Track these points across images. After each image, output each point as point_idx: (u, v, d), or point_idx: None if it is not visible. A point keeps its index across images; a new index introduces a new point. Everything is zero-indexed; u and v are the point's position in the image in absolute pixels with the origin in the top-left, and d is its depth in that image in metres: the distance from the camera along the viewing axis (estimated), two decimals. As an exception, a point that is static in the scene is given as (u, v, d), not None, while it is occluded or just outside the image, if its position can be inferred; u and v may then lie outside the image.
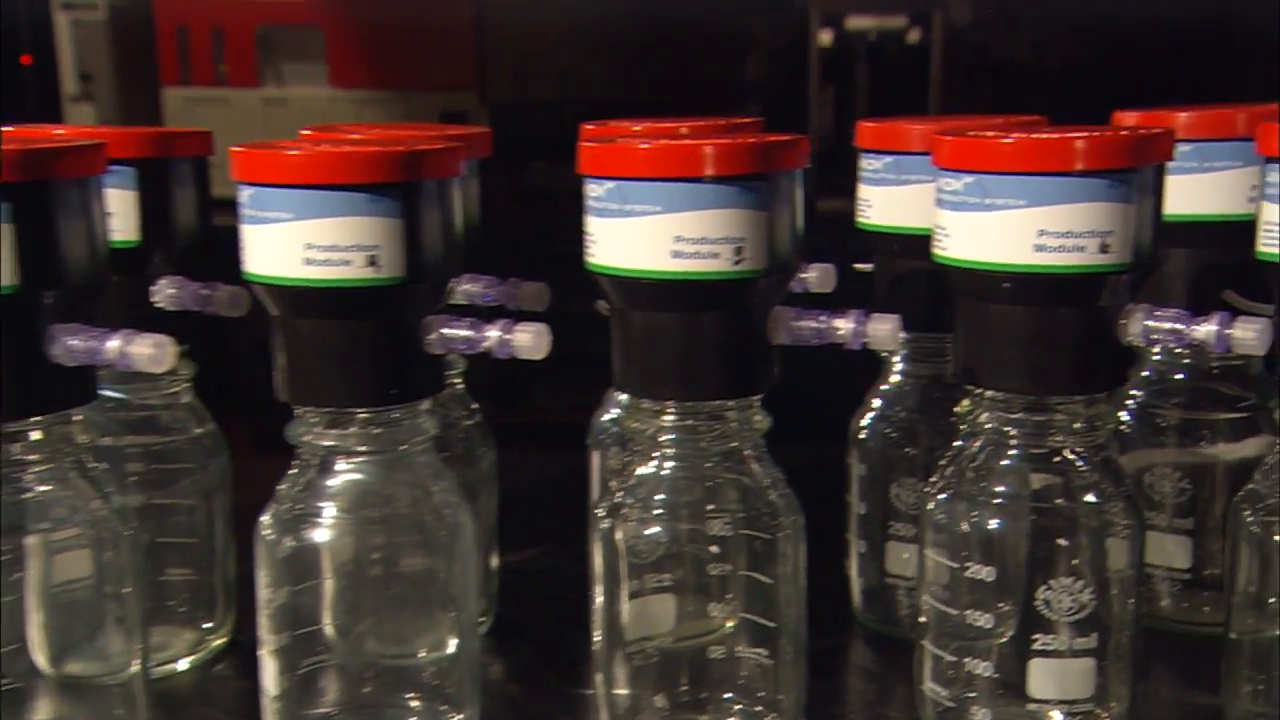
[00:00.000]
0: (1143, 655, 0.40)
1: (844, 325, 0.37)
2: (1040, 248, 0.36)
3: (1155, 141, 0.36)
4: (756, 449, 0.40)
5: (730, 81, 1.90)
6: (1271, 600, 0.38)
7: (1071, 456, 0.38)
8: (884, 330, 0.37)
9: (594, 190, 0.37)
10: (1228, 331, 0.36)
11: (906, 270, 0.46)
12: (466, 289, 0.45)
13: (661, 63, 1.85)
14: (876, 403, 0.49)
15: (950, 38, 1.87)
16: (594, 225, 0.37)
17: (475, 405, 0.49)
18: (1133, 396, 0.49)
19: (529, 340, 0.36)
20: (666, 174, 0.36)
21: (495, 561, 0.50)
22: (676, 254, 0.36)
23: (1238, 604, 0.39)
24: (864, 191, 0.47)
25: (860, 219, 0.47)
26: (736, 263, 0.36)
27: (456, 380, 0.48)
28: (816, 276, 0.46)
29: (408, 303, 0.36)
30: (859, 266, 0.49)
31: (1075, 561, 0.38)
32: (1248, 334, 0.35)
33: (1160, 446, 0.48)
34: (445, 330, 0.37)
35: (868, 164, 0.46)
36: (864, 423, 0.49)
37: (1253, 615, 0.39)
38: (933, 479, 0.40)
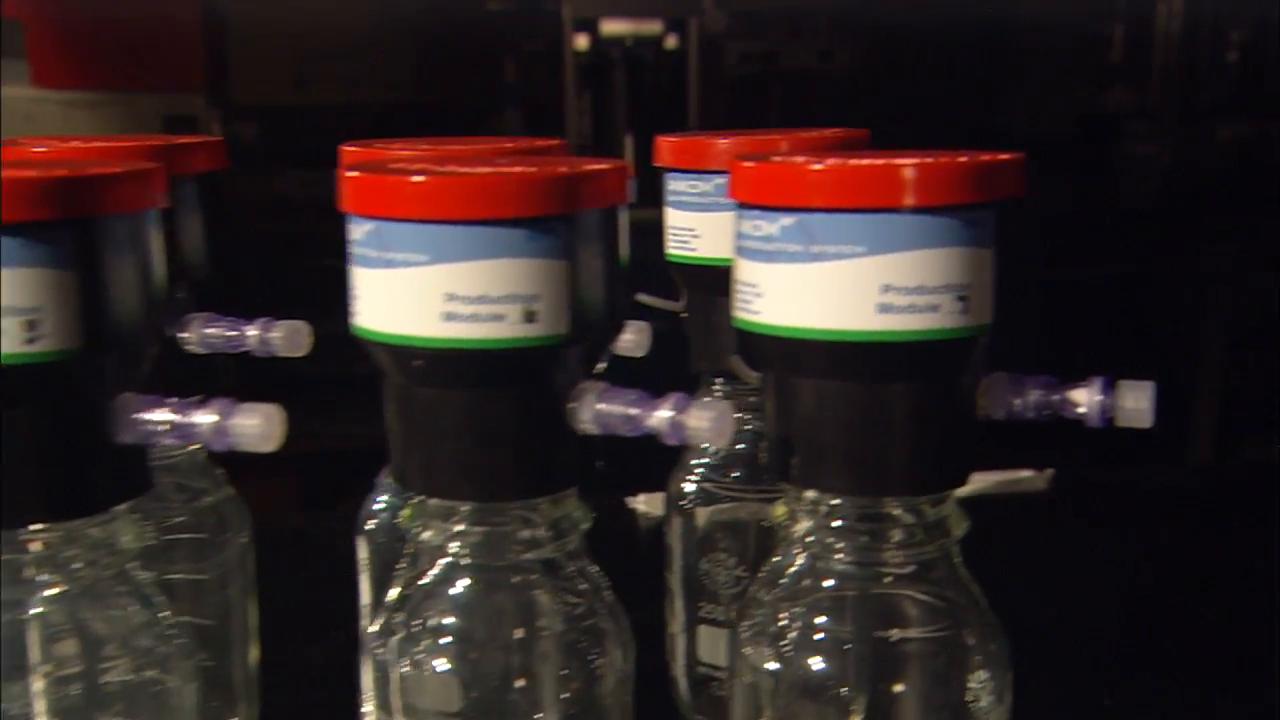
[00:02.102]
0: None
1: (204, 419, 0.28)
2: (450, 316, 0.27)
3: (598, 180, 0.28)
4: (126, 580, 0.30)
5: (490, 86, 1.81)
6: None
7: (534, 572, 0.30)
8: (251, 426, 0.28)
9: None
10: (682, 418, 0.28)
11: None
12: None
13: (419, 66, 1.75)
14: (386, 485, 0.40)
15: (707, 45, 1.83)
16: None
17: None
18: (694, 470, 0.42)
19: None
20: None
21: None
22: (-57, 330, 0.26)
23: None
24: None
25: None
26: (30, 340, 0.26)
27: None
28: (282, 336, 0.37)
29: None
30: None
31: (543, 702, 0.30)
32: (701, 422, 0.27)
33: (720, 525, 0.41)
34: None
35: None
36: (374, 508, 0.40)
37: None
38: (381, 604, 0.32)
